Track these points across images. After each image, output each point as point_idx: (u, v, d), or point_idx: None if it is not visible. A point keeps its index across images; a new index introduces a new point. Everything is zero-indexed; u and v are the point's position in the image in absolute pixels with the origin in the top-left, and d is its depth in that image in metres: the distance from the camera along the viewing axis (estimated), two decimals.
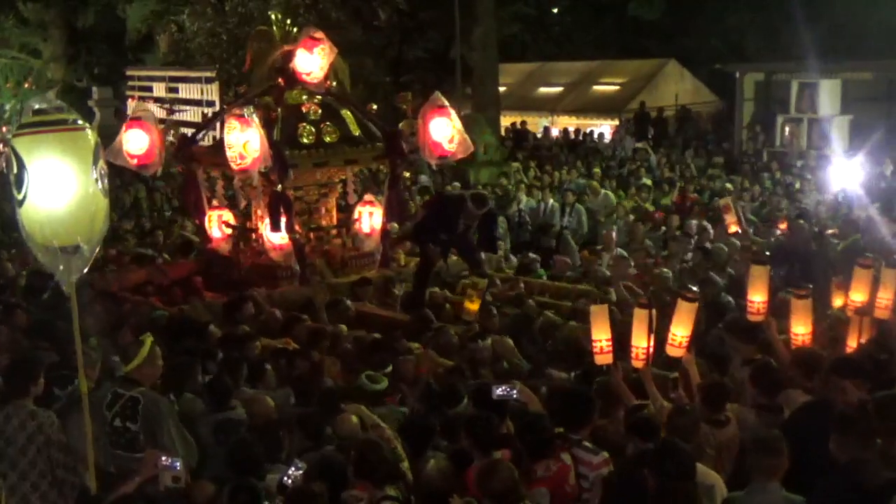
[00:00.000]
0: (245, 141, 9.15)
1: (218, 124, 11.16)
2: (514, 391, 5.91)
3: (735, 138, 22.80)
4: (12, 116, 25.21)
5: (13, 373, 5.97)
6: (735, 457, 5.64)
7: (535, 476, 5.23)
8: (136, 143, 9.76)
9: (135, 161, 9.81)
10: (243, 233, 10.45)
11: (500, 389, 5.86)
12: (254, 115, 9.25)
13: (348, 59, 29.50)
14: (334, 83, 10.52)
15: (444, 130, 9.84)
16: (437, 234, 9.69)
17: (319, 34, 10.11)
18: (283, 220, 9.61)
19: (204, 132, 11.70)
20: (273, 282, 9.86)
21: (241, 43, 24.22)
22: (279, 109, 10.10)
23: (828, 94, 21.30)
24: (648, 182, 16.50)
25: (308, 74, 10.11)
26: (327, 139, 10.21)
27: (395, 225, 11.52)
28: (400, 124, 10.38)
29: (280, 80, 10.32)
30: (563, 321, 8.56)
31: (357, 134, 10.51)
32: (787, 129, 21.97)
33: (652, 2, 27.92)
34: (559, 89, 28.03)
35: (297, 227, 9.99)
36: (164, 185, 17.34)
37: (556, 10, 31.66)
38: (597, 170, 18.30)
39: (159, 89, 27.88)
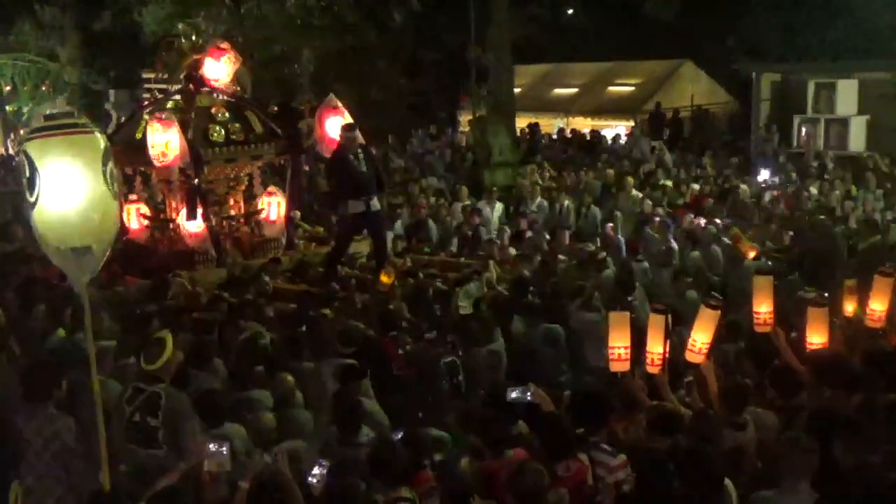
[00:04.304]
0: (167, 140, 10.29)
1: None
2: (529, 393, 5.91)
3: (752, 139, 22.67)
4: (30, 119, 25.36)
5: (36, 376, 6.01)
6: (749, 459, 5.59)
7: (555, 476, 5.19)
8: None
9: None
10: (163, 223, 11.52)
11: (514, 392, 5.90)
12: (173, 117, 10.42)
13: (363, 61, 29.46)
14: (238, 88, 11.71)
15: (339, 128, 10.82)
16: (345, 190, 10.40)
17: (225, 44, 11.49)
18: (199, 210, 10.75)
19: (121, 133, 12.16)
20: (192, 265, 10.89)
21: (256, 46, 24.29)
22: (192, 112, 11.14)
23: (845, 95, 21.18)
24: (669, 183, 16.43)
25: (216, 80, 11.34)
26: (234, 137, 11.24)
27: (297, 212, 12.56)
28: (299, 123, 11.62)
29: (191, 85, 11.35)
30: (452, 288, 9.86)
31: (261, 132, 11.54)
32: (803, 129, 21.85)
33: (667, 2, 27.79)
34: (574, 90, 27.93)
35: (211, 217, 11.06)
36: None
37: (570, 12, 31.57)
38: (609, 171, 18.20)
39: None
